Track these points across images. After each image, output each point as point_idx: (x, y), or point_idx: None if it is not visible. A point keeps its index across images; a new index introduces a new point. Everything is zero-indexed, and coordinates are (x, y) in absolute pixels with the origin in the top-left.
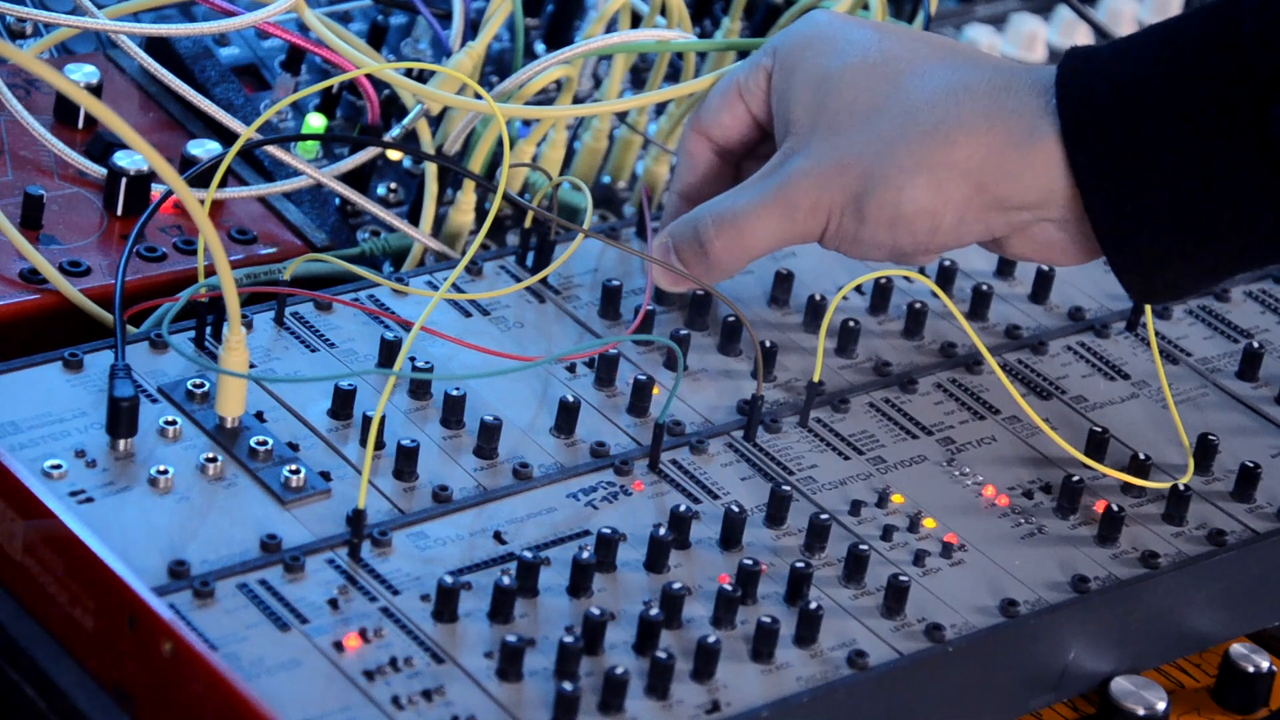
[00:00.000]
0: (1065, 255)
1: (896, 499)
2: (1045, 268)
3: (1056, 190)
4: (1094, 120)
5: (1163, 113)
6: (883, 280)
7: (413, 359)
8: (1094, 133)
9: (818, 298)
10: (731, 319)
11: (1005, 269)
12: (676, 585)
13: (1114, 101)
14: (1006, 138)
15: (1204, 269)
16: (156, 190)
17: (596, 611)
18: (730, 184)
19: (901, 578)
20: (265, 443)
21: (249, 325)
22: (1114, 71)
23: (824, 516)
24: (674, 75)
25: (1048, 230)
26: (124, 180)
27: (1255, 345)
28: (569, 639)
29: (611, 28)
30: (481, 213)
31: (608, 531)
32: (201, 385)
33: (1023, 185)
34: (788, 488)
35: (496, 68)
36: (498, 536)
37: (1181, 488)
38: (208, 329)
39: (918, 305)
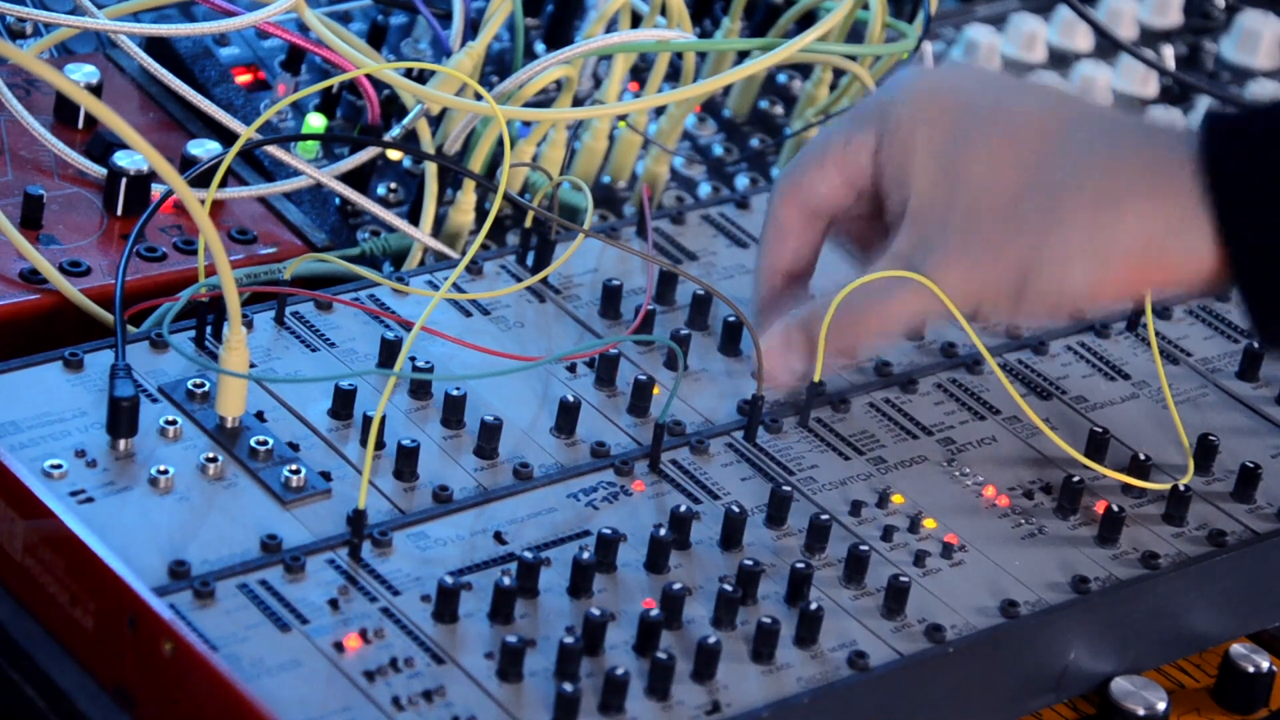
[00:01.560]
0: (1201, 297)
1: (897, 499)
2: None
3: (1209, 264)
4: (1243, 197)
5: None
6: None
7: (413, 359)
8: (1244, 210)
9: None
10: (732, 319)
11: None
12: (677, 586)
13: (1264, 180)
14: (1165, 220)
15: None
16: (156, 190)
17: (597, 612)
18: (816, 249)
19: (902, 578)
20: (265, 443)
21: (249, 325)
22: (1261, 149)
23: (824, 517)
24: (674, 75)
25: (1195, 289)
26: (124, 180)
27: (1255, 345)
28: (569, 639)
29: (611, 28)
30: (482, 213)
31: (608, 532)
32: (202, 385)
33: (1180, 264)
34: (788, 488)
35: (496, 68)
36: (498, 537)
37: (1182, 488)
38: (208, 329)
39: None
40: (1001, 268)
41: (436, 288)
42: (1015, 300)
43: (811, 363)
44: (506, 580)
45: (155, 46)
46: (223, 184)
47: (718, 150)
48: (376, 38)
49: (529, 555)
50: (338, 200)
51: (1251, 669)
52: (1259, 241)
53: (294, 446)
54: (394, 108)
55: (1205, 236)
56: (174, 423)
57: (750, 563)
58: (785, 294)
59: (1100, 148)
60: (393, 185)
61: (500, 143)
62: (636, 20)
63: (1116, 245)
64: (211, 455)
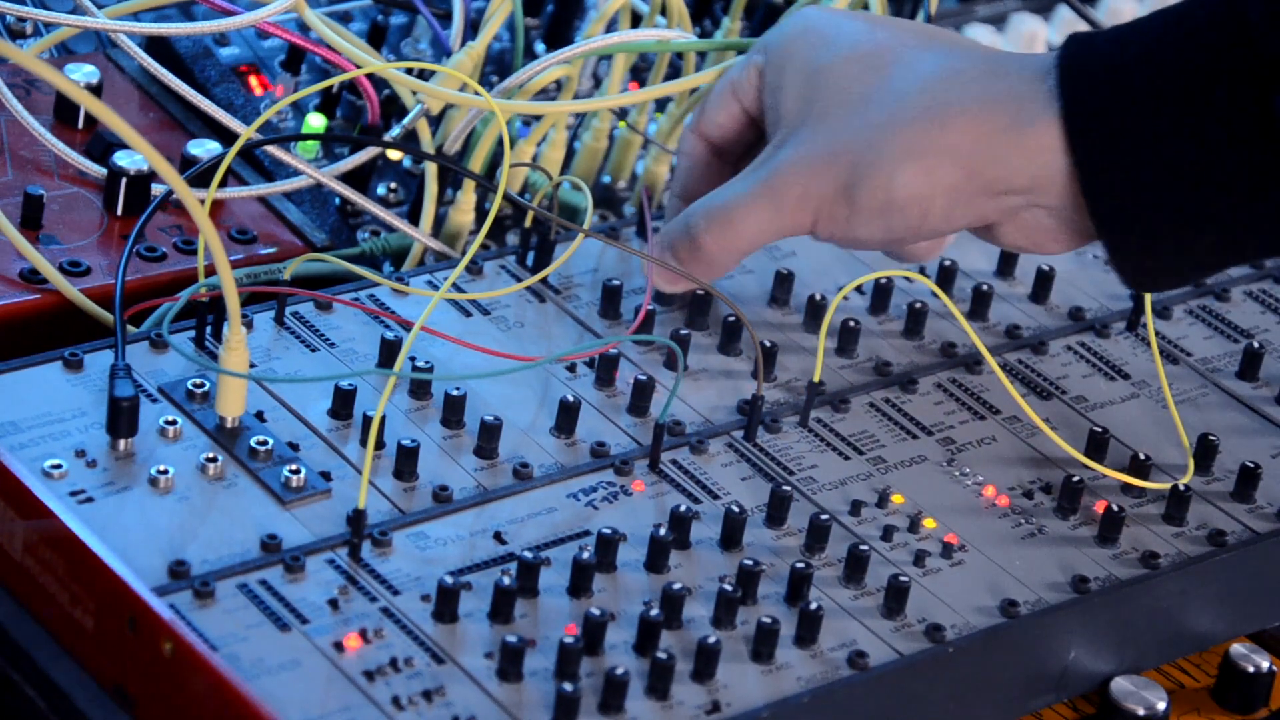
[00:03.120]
0: (1055, 242)
1: (897, 499)
2: (1046, 267)
3: (1051, 174)
4: (1096, 103)
5: (1165, 97)
6: (883, 280)
7: (413, 359)
8: (1095, 115)
9: (818, 298)
10: (732, 319)
11: (1005, 269)
12: (677, 585)
13: (1116, 85)
14: (998, 121)
15: (1200, 256)
16: (156, 190)
17: (597, 612)
18: (716, 183)
19: (902, 578)
20: (265, 443)
21: (249, 325)
22: (1116, 55)
23: (824, 517)
24: (674, 75)
25: (1038, 216)
26: (124, 180)
27: (1255, 345)
28: (569, 639)
29: (611, 27)
30: (481, 212)
31: (608, 531)
32: (202, 385)
33: (1015, 169)
34: (788, 488)
35: (496, 67)
36: (498, 537)
37: (1182, 488)
38: (208, 329)
39: (918, 305)
40: (836, 168)
41: (436, 288)
42: (849, 205)
43: (683, 283)
44: (506, 580)
45: (155, 46)
46: (223, 184)
47: None
48: (376, 38)
49: (529, 555)
50: (338, 200)
51: (1251, 669)
52: (1103, 130)
53: (294, 446)
54: (394, 108)
55: (1046, 141)
56: (174, 423)
57: (750, 563)
58: None
59: (943, 61)
60: (393, 185)
61: (500, 143)
62: (636, 20)
63: (944, 149)
64: (211, 455)
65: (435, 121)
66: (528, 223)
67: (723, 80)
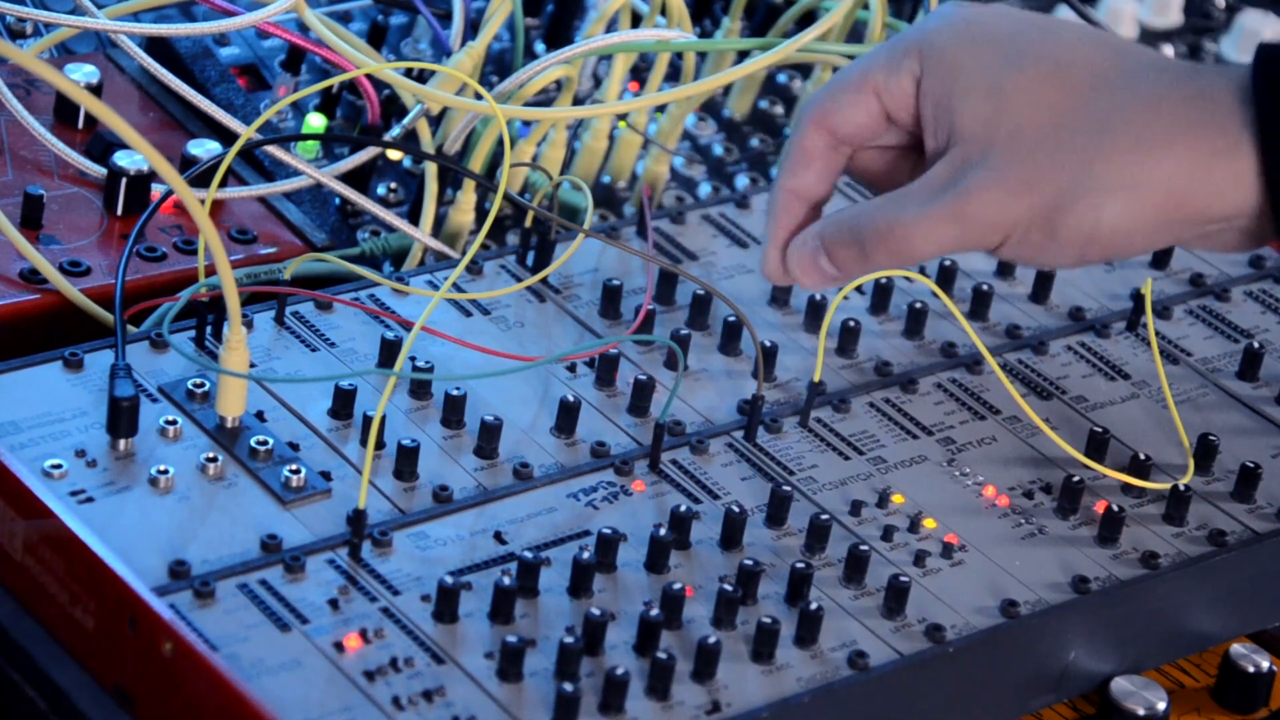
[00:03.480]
0: (1236, 249)
1: (897, 499)
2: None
3: (1250, 200)
4: None
5: None
6: (883, 280)
7: (413, 359)
8: None
9: (818, 298)
10: (732, 319)
11: (1005, 269)
12: (677, 585)
13: None
14: (1207, 151)
15: None
16: (156, 190)
17: (597, 612)
18: (838, 175)
19: (902, 578)
20: (265, 442)
21: (249, 325)
22: None
23: (824, 517)
24: (674, 75)
25: (1229, 235)
26: (124, 180)
27: (1255, 345)
28: (569, 639)
29: (611, 28)
30: (482, 212)
31: (608, 532)
32: (202, 385)
33: (1220, 198)
34: (788, 488)
35: (496, 68)
36: (498, 536)
37: (1182, 488)
38: (208, 329)
39: (918, 305)
40: (1037, 197)
41: (436, 288)
42: (1047, 233)
43: (836, 281)
44: (506, 580)
45: (155, 46)
46: (223, 184)
47: (718, 150)
48: (376, 38)
49: (529, 555)
50: (338, 200)
51: (1251, 669)
52: None
53: (294, 446)
54: (394, 108)
55: (1247, 167)
56: (174, 423)
57: (750, 563)
58: (803, 221)
59: (1144, 84)
60: (393, 185)
61: (500, 143)
62: (636, 20)
63: (1155, 181)
64: (211, 455)
65: (435, 121)
66: (528, 223)
67: (858, 75)
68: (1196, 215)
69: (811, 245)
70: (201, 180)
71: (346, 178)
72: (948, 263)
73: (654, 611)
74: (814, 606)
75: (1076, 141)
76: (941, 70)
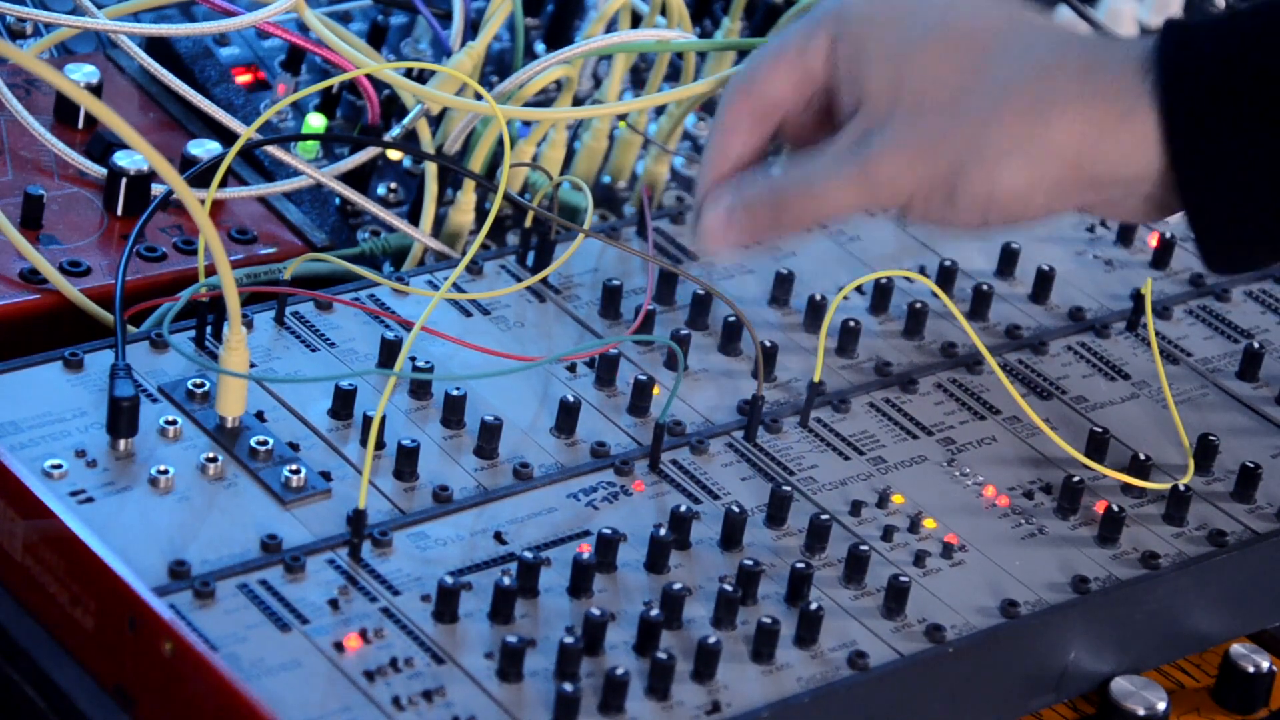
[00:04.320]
0: (1143, 217)
1: (897, 499)
2: (1046, 267)
3: (1151, 166)
4: (1194, 99)
5: (1262, 95)
6: (883, 280)
7: (413, 359)
8: (1194, 113)
9: (818, 298)
10: (732, 319)
11: (1005, 269)
12: (677, 585)
13: (1214, 81)
14: (1103, 116)
15: None
16: (156, 190)
17: (597, 612)
18: (763, 149)
19: (902, 578)
20: (265, 443)
21: (249, 325)
22: (1214, 50)
23: (824, 517)
24: (674, 75)
25: (1132, 202)
26: (124, 180)
27: (1255, 345)
28: (569, 639)
29: (611, 28)
30: (482, 212)
31: (608, 532)
32: (202, 385)
33: (1118, 163)
34: (788, 488)
35: (496, 68)
36: (498, 537)
37: (1182, 488)
38: (208, 329)
39: (918, 305)
40: (937, 161)
41: (436, 288)
42: (947, 197)
43: (749, 240)
44: (506, 580)
45: (155, 46)
46: (223, 184)
47: None
48: (376, 38)
49: (529, 555)
50: (338, 200)
51: (1251, 669)
52: (1202, 136)
53: (294, 446)
54: (394, 108)
55: (1146, 130)
56: (174, 423)
57: (750, 563)
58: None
59: (1042, 51)
60: (393, 185)
61: (500, 143)
62: (636, 20)
63: (1051, 144)
64: (211, 455)
65: (435, 121)
66: (528, 223)
67: (780, 45)
68: (1095, 179)
69: (725, 204)
70: (201, 180)
71: (346, 178)
72: (948, 263)
73: (654, 611)
74: (814, 606)
75: (974, 106)
76: (853, 36)
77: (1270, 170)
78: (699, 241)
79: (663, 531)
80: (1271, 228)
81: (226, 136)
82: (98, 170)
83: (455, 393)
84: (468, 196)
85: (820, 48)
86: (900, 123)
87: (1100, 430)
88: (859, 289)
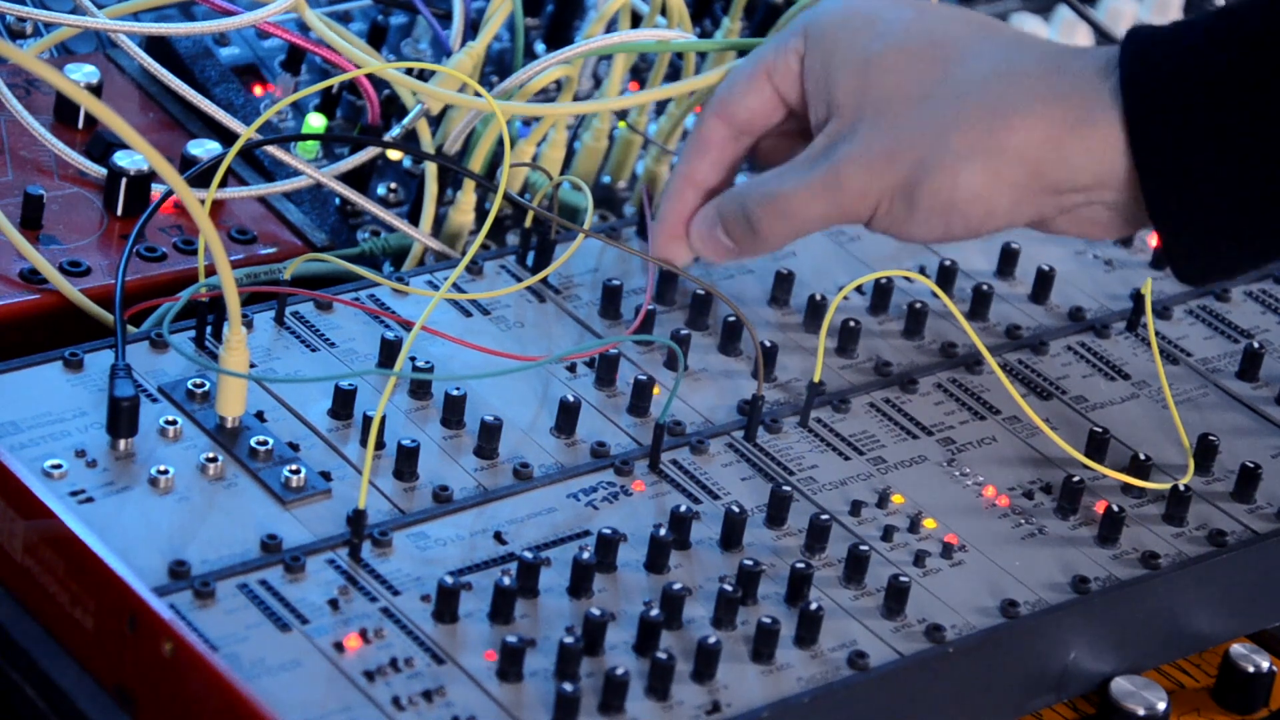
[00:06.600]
0: (1108, 231)
1: (897, 499)
2: (1046, 267)
3: (1113, 172)
4: (1157, 105)
5: (1226, 100)
6: (883, 280)
7: (413, 359)
8: (1157, 119)
9: (818, 298)
10: (732, 319)
11: (1005, 269)
12: (677, 586)
13: (1178, 87)
14: (1062, 121)
15: (1256, 253)
16: (156, 190)
17: (597, 612)
18: (734, 170)
19: (902, 578)
20: (265, 443)
21: (249, 325)
22: (1177, 56)
23: (824, 517)
24: (674, 75)
25: (1096, 211)
26: (124, 180)
27: (1255, 345)
28: (569, 639)
29: (611, 28)
30: (482, 212)
31: (608, 532)
32: (202, 385)
33: (1078, 168)
34: (788, 488)
35: (496, 68)
36: (498, 537)
37: (1182, 488)
38: (208, 329)
39: (918, 305)
40: (900, 167)
41: (436, 288)
42: (908, 203)
43: (731, 257)
44: (506, 580)
45: (155, 46)
46: (223, 184)
47: None
48: (376, 38)
49: (529, 555)
50: (338, 200)
51: (1251, 669)
52: (1165, 132)
53: (294, 446)
54: (394, 108)
55: (1108, 137)
56: (174, 423)
57: (750, 563)
58: (695, 208)
59: (1004, 57)
60: (393, 185)
61: (500, 143)
62: (636, 20)
63: (1011, 149)
64: (211, 455)
65: (435, 121)
66: (528, 223)
67: (752, 63)
68: (1056, 185)
69: (710, 219)
70: (201, 180)
71: (346, 178)
72: (947, 263)
73: (654, 611)
74: (814, 606)
75: (935, 112)
76: (821, 48)
77: (1236, 173)
78: (656, 253)
79: (663, 531)
80: (1239, 231)
81: (226, 136)
82: (98, 170)
83: (455, 393)
84: (468, 196)
85: (790, 66)
86: (865, 130)
87: (1100, 430)
88: (859, 289)
